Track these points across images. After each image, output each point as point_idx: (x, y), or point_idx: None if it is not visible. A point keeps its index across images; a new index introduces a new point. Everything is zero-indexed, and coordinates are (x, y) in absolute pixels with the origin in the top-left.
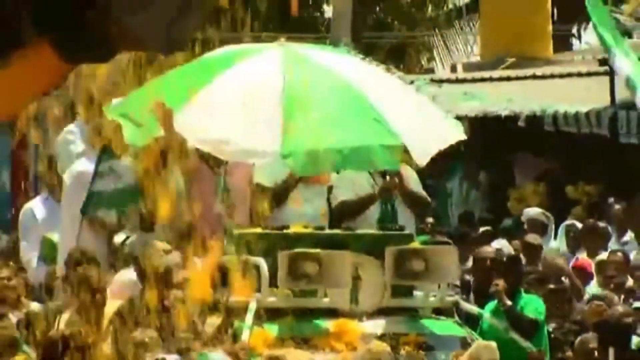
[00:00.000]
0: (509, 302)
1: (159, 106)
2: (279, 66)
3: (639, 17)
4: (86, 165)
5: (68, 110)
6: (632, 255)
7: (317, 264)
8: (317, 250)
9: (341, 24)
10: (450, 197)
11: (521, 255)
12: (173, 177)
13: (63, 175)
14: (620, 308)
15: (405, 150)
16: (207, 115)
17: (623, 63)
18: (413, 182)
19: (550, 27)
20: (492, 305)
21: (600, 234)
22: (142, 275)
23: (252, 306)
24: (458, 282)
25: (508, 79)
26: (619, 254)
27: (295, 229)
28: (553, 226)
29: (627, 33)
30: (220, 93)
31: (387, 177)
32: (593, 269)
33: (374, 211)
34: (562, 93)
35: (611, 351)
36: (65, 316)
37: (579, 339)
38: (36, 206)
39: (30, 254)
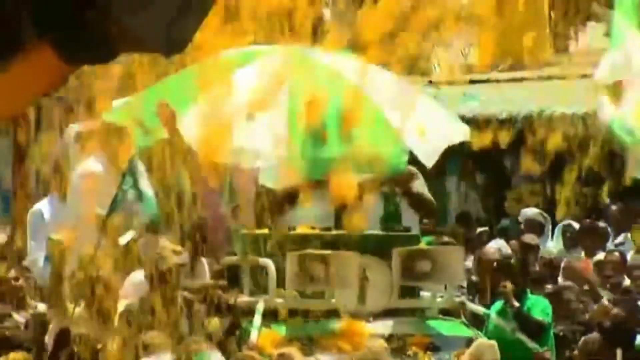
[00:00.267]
0: (516, 303)
1: (161, 108)
2: (284, 69)
3: None
4: (93, 166)
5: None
6: (628, 255)
7: (325, 265)
8: (325, 251)
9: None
10: (448, 197)
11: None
12: (179, 178)
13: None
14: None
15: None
16: (212, 119)
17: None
18: (419, 182)
19: (548, 29)
20: (498, 305)
21: (598, 234)
22: (150, 275)
23: (260, 307)
24: (465, 283)
25: (505, 81)
26: (616, 253)
27: (302, 229)
28: (550, 226)
29: None
30: (225, 96)
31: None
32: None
33: (378, 211)
34: (558, 95)
35: (619, 352)
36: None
37: (582, 339)
38: (44, 206)
39: (37, 254)
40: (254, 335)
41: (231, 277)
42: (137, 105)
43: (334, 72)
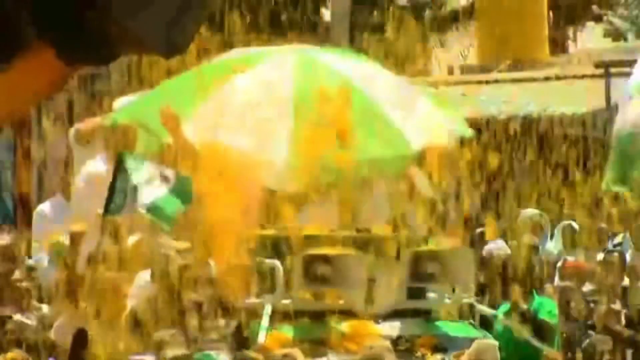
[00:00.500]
0: (524, 305)
1: (165, 113)
2: (290, 72)
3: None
4: (98, 167)
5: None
6: (627, 256)
7: (332, 265)
8: (333, 252)
9: (339, 27)
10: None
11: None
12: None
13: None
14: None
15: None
16: (216, 121)
17: None
18: (422, 182)
19: (547, 30)
20: (505, 307)
21: (597, 235)
22: (156, 276)
23: (268, 308)
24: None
25: (504, 81)
26: (615, 254)
27: (309, 230)
28: (549, 227)
29: (622, 36)
30: (231, 99)
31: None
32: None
33: (385, 211)
34: (558, 95)
35: (629, 353)
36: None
37: (588, 340)
38: (48, 207)
39: (41, 254)
40: (261, 337)
41: (238, 278)
42: (140, 107)
43: (343, 76)
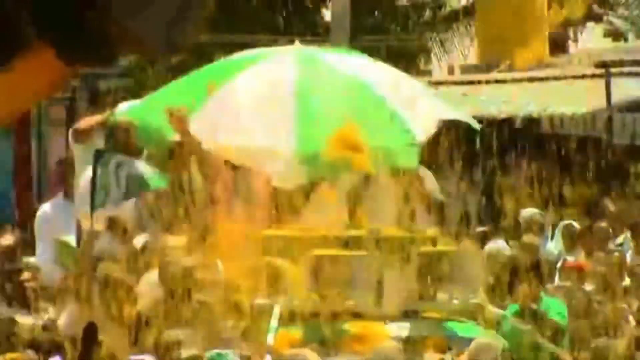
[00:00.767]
0: (533, 306)
1: (171, 113)
2: (293, 70)
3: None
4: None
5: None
6: (628, 256)
7: (342, 266)
8: (342, 252)
9: (340, 27)
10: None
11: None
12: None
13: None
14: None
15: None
16: (221, 119)
17: None
18: (431, 183)
19: (547, 30)
20: (514, 307)
21: (598, 235)
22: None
23: (276, 309)
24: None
25: (505, 81)
26: (616, 254)
27: (318, 231)
28: (550, 227)
29: (622, 36)
30: (234, 97)
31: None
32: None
33: (394, 212)
34: (558, 95)
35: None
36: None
37: (596, 341)
38: (51, 208)
39: (45, 255)
40: (270, 338)
41: (247, 278)
42: (144, 107)
43: (345, 72)
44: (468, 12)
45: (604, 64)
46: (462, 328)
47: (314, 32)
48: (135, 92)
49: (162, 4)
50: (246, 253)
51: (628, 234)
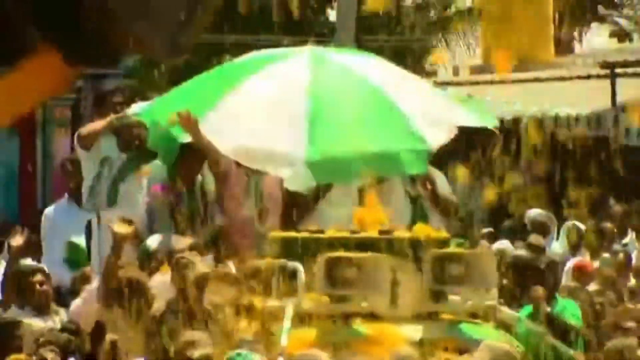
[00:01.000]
0: (548, 308)
1: (182, 116)
2: (305, 71)
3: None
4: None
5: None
6: (634, 256)
7: (356, 268)
8: (356, 254)
9: (345, 27)
10: None
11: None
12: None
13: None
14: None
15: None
16: (233, 121)
17: None
18: (444, 185)
19: (552, 31)
20: (528, 309)
21: (603, 235)
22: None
23: (289, 311)
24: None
25: (510, 81)
26: (621, 254)
27: (331, 232)
28: (555, 227)
29: (628, 36)
30: (246, 99)
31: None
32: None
33: (405, 213)
34: (563, 96)
35: None
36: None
37: (610, 342)
38: (57, 209)
39: (52, 257)
40: (283, 340)
41: (259, 280)
42: (155, 108)
43: (357, 74)
44: (473, 12)
45: (609, 65)
46: (477, 330)
47: (319, 32)
48: (141, 93)
49: (167, 7)
50: (259, 254)
51: (633, 234)
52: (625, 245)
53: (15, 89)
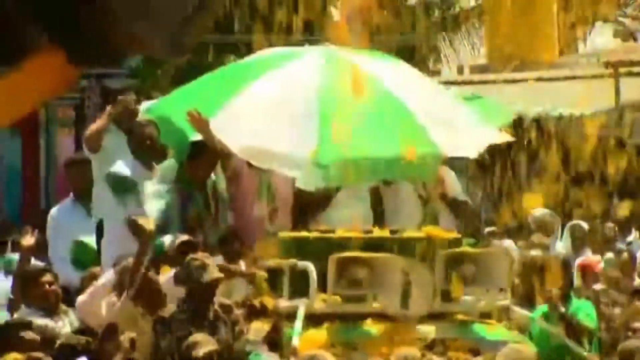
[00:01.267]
0: (562, 308)
1: (192, 115)
2: (318, 72)
3: None
4: (122, 170)
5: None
6: (638, 255)
7: (367, 268)
8: (368, 254)
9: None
10: None
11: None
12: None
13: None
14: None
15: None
16: (243, 121)
17: None
18: (455, 186)
19: (556, 30)
20: (542, 309)
21: (606, 234)
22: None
23: (301, 311)
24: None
25: (514, 81)
26: (625, 254)
27: (342, 232)
28: (559, 227)
29: (632, 36)
30: (256, 99)
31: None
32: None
33: (417, 214)
34: (567, 95)
35: None
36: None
37: (624, 343)
38: (63, 210)
39: (59, 256)
40: (295, 340)
41: (271, 281)
42: (165, 105)
43: (370, 76)
44: (477, 12)
45: (613, 64)
46: (489, 331)
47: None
48: (145, 92)
49: (169, 7)
50: (269, 254)
51: (637, 233)
52: (629, 244)
53: (17, 88)
